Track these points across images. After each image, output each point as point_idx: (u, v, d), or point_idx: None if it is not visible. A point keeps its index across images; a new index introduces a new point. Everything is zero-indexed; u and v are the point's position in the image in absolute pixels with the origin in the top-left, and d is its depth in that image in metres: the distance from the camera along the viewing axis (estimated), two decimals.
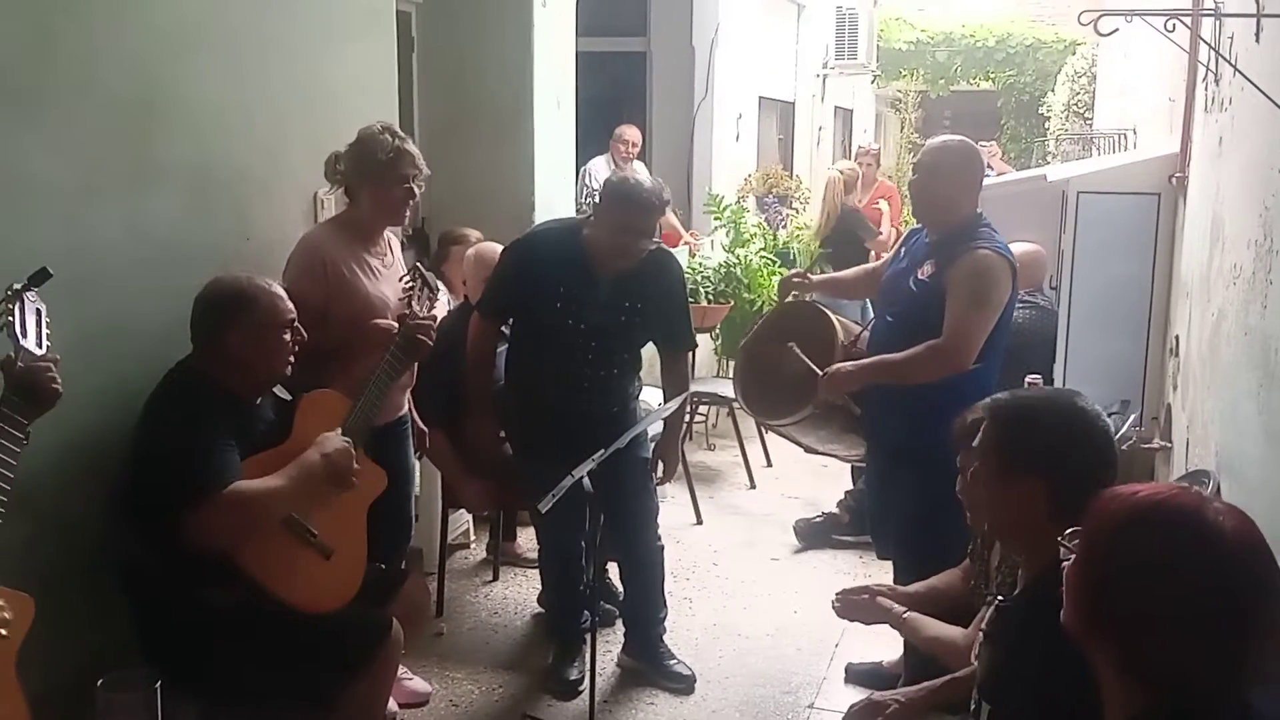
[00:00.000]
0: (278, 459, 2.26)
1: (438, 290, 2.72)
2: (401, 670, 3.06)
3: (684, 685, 3.16)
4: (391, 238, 2.93)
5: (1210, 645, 1.14)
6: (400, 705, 2.95)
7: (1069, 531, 1.30)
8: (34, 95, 2.23)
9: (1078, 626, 1.24)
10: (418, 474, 3.30)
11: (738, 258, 5.79)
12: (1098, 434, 1.69)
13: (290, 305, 2.35)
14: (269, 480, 2.19)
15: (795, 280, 3.29)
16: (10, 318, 1.77)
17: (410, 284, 2.64)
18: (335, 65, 3.14)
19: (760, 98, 8.16)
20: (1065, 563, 1.28)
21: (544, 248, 3.04)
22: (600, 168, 6.12)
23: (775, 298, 3.69)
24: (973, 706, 1.67)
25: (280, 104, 2.94)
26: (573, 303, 2.95)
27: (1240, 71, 2.75)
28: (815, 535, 4.34)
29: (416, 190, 2.76)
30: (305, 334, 2.37)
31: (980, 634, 1.76)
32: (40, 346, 1.77)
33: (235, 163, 2.80)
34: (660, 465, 3.20)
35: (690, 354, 3.31)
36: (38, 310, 1.81)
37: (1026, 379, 3.36)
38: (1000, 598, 1.76)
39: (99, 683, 1.45)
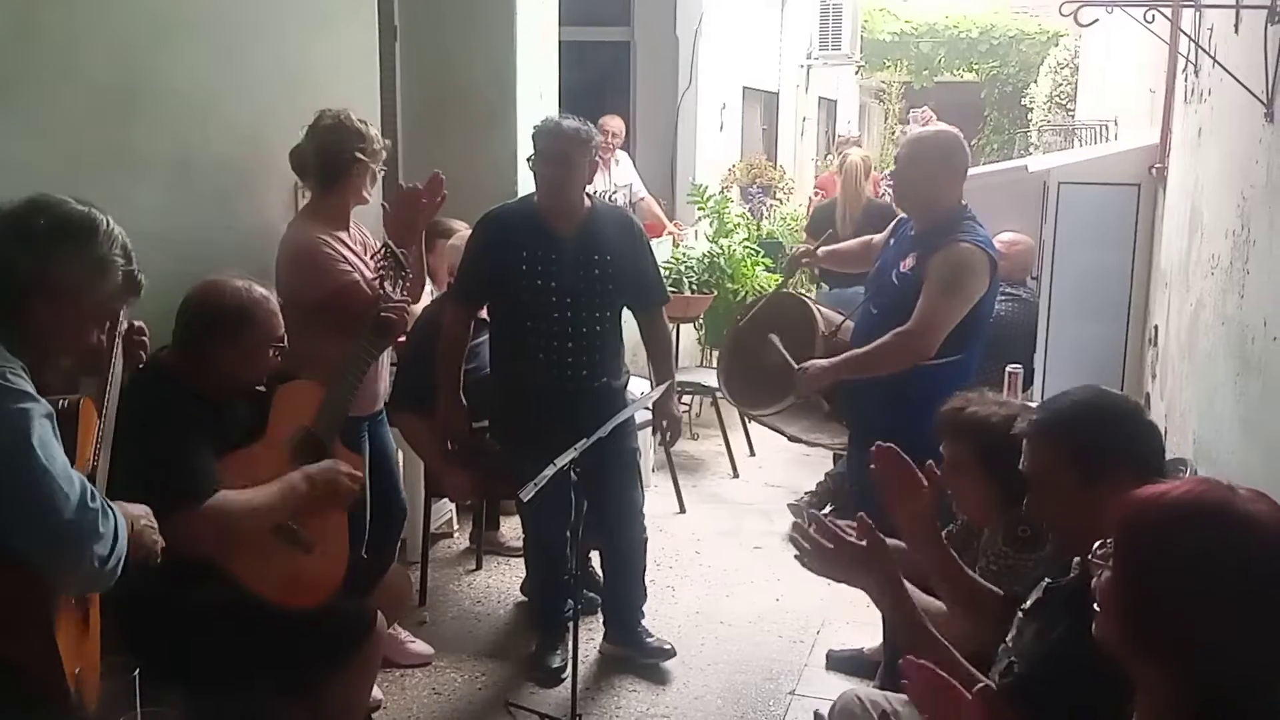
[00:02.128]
0: (254, 455, 2.25)
1: (408, 270, 2.70)
2: (404, 634, 3.14)
3: (663, 657, 3.20)
4: (356, 223, 2.94)
5: (1272, 635, 1.12)
6: (406, 666, 3.09)
7: (1098, 545, 1.27)
8: (15, 82, 2.22)
9: (1123, 641, 1.20)
10: (401, 463, 3.30)
11: (721, 248, 5.80)
12: (1143, 414, 1.72)
13: (281, 321, 2.32)
14: (254, 496, 2.17)
15: (804, 260, 3.29)
16: None
17: (382, 264, 2.62)
18: (316, 53, 3.13)
19: (744, 88, 8.15)
20: (1098, 578, 1.23)
21: (503, 221, 3.07)
22: None
23: (781, 276, 3.69)
24: (998, 679, 1.67)
25: (262, 92, 2.93)
26: (540, 263, 2.97)
27: (1219, 63, 2.77)
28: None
29: (376, 169, 2.82)
30: (288, 344, 2.36)
31: (1020, 614, 1.75)
32: None
33: (217, 151, 2.79)
34: (664, 429, 3.33)
35: (665, 311, 3.32)
36: None
37: (1007, 369, 3.39)
38: (1048, 580, 1.75)
39: (76, 671, 1.43)
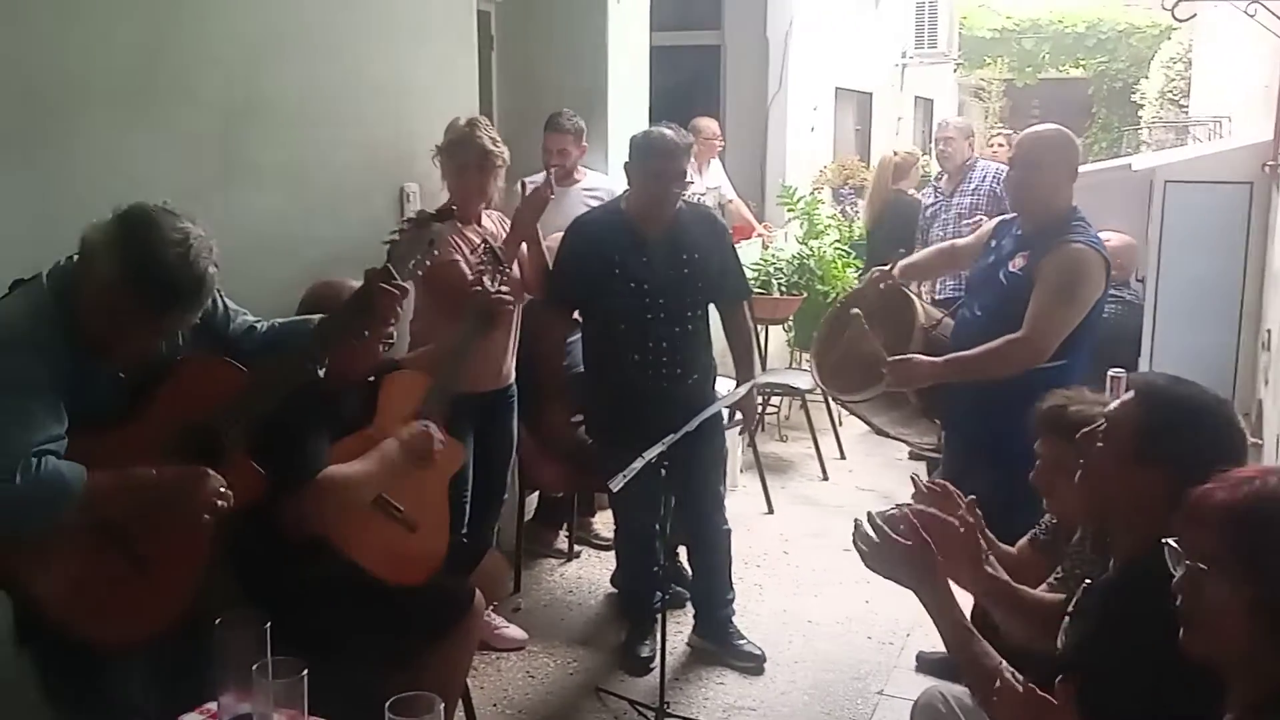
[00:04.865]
0: (364, 441, 2.38)
1: (507, 267, 2.86)
2: (498, 620, 3.27)
3: (754, 664, 3.23)
4: (489, 216, 3.15)
5: None
6: (501, 650, 3.24)
7: (1169, 541, 1.27)
8: (142, 99, 2.39)
9: (1254, 634, 1.20)
10: None
11: (811, 249, 5.79)
12: (1239, 452, 1.66)
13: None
14: (355, 466, 2.30)
15: (883, 284, 3.26)
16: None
17: (482, 260, 2.77)
18: (419, 66, 3.27)
19: (837, 88, 8.11)
20: (1185, 583, 1.25)
21: (590, 227, 3.16)
22: None
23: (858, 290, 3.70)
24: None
25: (368, 104, 3.08)
26: (630, 268, 3.05)
27: None
28: None
29: (490, 174, 3.00)
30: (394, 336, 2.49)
31: (1066, 616, 1.76)
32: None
33: (326, 160, 2.94)
34: (740, 417, 3.43)
35: (749, 306, 3.41)
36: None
37: (1109, 374, 3.32)
38: (1088, 580, 1.76)
39: (217, 622, 1.57)
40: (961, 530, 1.86)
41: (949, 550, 1.80)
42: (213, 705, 1.64)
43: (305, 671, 1.53)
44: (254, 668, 1.52)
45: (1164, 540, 1.28)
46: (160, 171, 2.43)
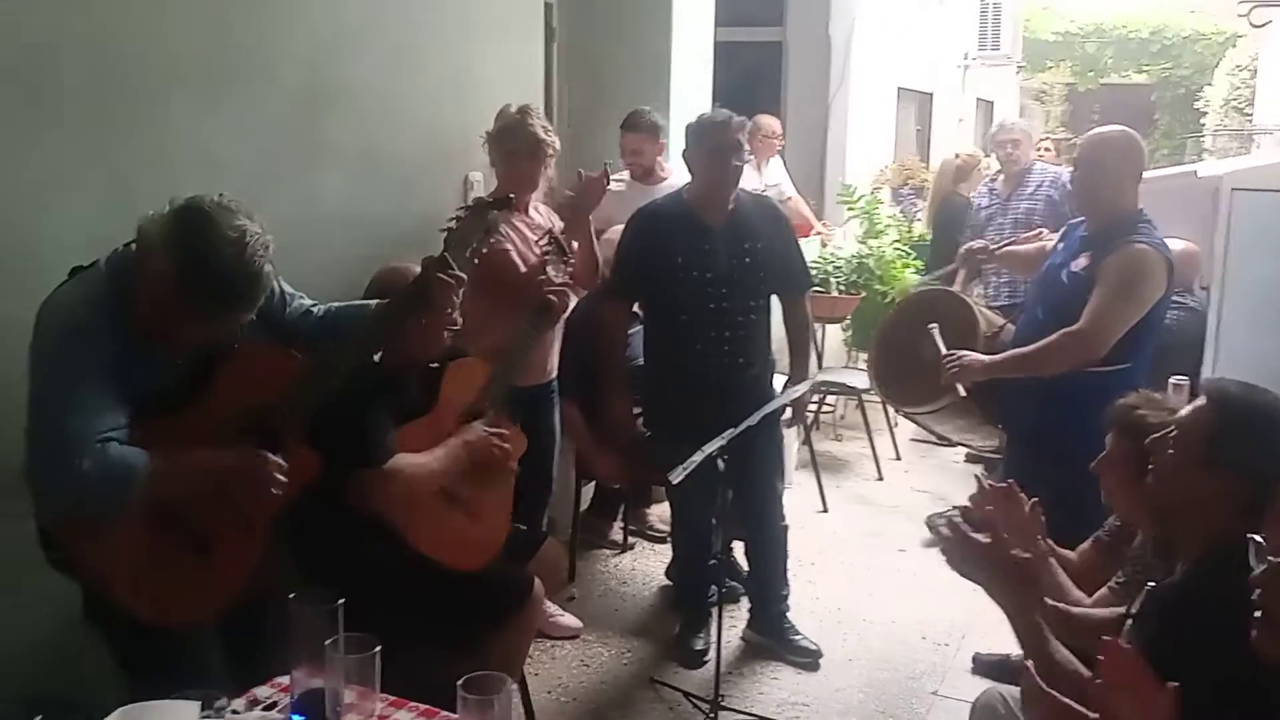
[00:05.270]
0: (427, 427, 2.41)
1: (571, 257, 2.85)
2: (554, 609, 3.28)
3: (809, 660, 3.22)
4: (536, 208, 3.13)
5: None
6: (556, 638, 3.26)
7: (1260, 543, 1.25)
8: (220, 85, 2.46)
9: None
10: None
11: (870, 248, 5.76)
12: None
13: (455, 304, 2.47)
14: (422, 458, 2.32)
15: (980, 254, 3.28)
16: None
17: (546, 250, 2.77)
18: (485, 57, 3.32)
19: (898, 88, 8.05)
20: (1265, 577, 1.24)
21: (654, 216, 3.17)
22: None
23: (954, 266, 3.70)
24: None
25: (436, 93, 3.13)
26: (694, 255, 3.05)
27: None
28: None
29: (540, 163, 2.99)
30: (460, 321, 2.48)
31: (1129, 619, 1.75)
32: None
33: (396, 146, 3.00)
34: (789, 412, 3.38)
35: (809, 301, 3.38)
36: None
37: (1171, 381, 3.27)
38: (1151, 583, 1.75)
39: (290, 597, 1.56)
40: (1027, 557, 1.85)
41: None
42: (284, 679, 1.62)
43: (378, 649, 1.52)
44: (327, 643, 1.50)
45: (1250, 536, 1.27)
46: (239, 154, 2.50)
